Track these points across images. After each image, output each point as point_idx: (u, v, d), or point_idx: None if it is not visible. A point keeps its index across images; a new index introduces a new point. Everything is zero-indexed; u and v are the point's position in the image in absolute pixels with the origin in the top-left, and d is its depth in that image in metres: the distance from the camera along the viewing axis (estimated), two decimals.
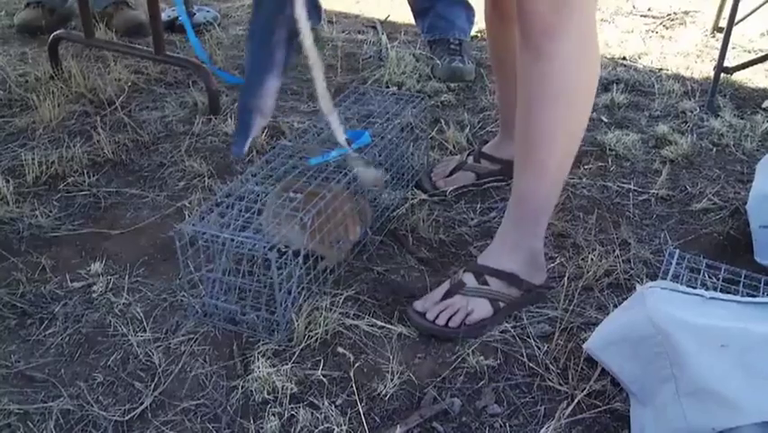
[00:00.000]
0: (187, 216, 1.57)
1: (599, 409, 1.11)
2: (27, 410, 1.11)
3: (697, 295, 1.08)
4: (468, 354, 1.21)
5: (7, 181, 1.67)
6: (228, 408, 1.11)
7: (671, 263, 1.26)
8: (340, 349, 1.21)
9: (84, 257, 1.47)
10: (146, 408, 1.11)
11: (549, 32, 1.11)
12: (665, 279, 1.21)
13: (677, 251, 1.32)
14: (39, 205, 1.62)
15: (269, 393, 1.13)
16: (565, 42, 1.12)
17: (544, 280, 1.34)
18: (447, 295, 1.29)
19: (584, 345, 1.16)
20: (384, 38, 2.55)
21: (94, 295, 1.35)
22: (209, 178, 1.72)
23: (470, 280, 1.30)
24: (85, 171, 1.75)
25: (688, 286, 1.13)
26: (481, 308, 1.27)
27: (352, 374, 1.15)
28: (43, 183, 1.71)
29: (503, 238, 1.32)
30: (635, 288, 1.35)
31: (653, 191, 1.70)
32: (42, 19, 2.25)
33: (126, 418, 1.10)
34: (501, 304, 1.29)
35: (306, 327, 1.24)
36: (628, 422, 1.07)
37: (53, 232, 1.54)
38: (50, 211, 1.61)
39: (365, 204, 1.45)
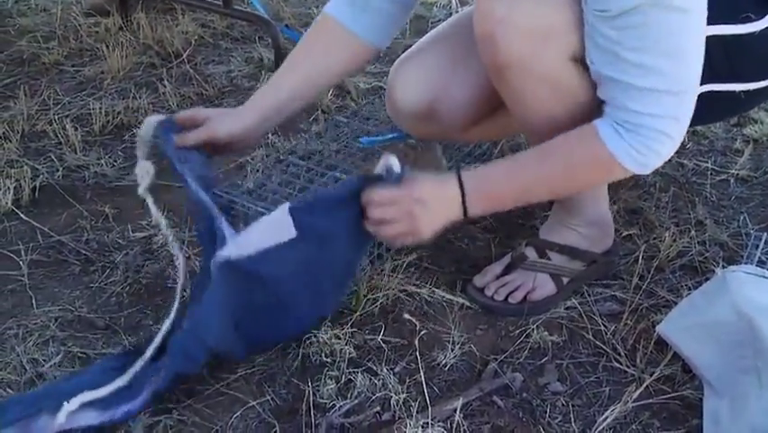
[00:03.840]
0: (249, 173, 1.55)
1: (668, 395, 1.06)
2: (89, 355, 1.12)
3: None
4: (532, 328, 1.17)
5: (76, 129, 1.69)
6: (285, 368, 1.10)
7: (756, 247, 1.19)
8: (406, 315, 1.18)
9: (146, 208, 1.46)
10: (203, 365, 1.10)
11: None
12: (749, 264, 1.14)
13: (763, 234, 1.24)
14: (104, 154, 1.63)
15: (326, 356, 1.11)
16: None
17: (611, 246, 1.28)
18: (508, 269, 1.25)
19: (657, 328, 1.11)
20: (454, 0, 2.48)
21: (154, 246, 1.36)
22: (272, 134, 1.70)
23: (531, 253, 1.25)
24: None
25: None
26: (544, 285, 1.23)
27: (416, 342, 1.13)
28: (109, 132, 1.72)
29: (562, 207, 1.27)
30: (710, 271, 1.29)
31: (732, 171, 1.61)
32: (111, 2, 2.26)
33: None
34: (565, 280, 1.24)
35: (367, 293, 1.21)
36: (699, 411, 1.02)
37: (117, 181, 1.55)
38: (115, 161, 1.62)
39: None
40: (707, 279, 1.26)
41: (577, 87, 1.05)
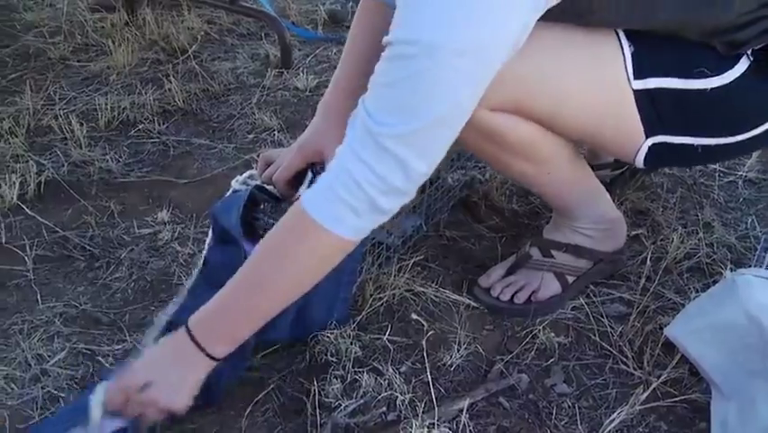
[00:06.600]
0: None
1: (676, 398, 1.05)
2: (94, 351, 1.12)
3: None
4: (538, 329, 1.17)
5: (81, 124, 1.69)
6: (291, 367, 1.10)
7: (765, 250, 1.18)
8: (412, 315, 1.18)
9: (151, 204, 1.47)
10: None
11: None
12: (759, 267, 1.13)
13: None
14: (110, 149, 1.63)
15: (332, 356, 1.10)
16: None
17: (620, 247, 1.27)
18: (512, 268, 1.24)
19: (665, 330, 1.10)
20: None
21: (159, 243, 1.35)
22: (279, 132, 1.70)
23: (536, 253, 1.24)
24: (155, 119, 1.75)
25: None
26: (549, 284, 1.22)
27: (424, 343, 1.12)
28: (115, 128, 1.72)
29: (560, 213, 1.26)
30: (718, 273, 1.28)
31: (740, 173, 1.60)
32: None
33: None
34: (570, 278, 1.23)
35: (374, 292, 1.21)
36: (707, 415, 1.01)
37: (122, 177, 1.55)
38: (120, 157, 1.61)
39: None
40: (714, 281, 1.26)
41: (507, 135, 1.06)
